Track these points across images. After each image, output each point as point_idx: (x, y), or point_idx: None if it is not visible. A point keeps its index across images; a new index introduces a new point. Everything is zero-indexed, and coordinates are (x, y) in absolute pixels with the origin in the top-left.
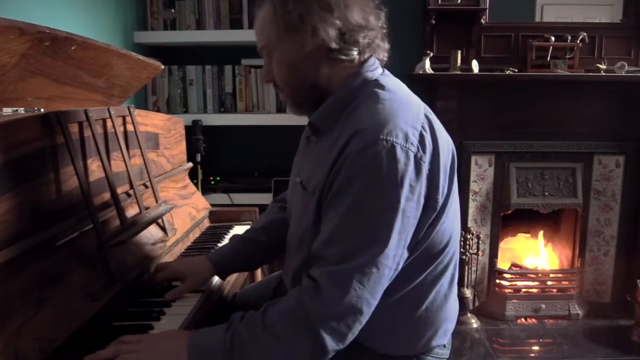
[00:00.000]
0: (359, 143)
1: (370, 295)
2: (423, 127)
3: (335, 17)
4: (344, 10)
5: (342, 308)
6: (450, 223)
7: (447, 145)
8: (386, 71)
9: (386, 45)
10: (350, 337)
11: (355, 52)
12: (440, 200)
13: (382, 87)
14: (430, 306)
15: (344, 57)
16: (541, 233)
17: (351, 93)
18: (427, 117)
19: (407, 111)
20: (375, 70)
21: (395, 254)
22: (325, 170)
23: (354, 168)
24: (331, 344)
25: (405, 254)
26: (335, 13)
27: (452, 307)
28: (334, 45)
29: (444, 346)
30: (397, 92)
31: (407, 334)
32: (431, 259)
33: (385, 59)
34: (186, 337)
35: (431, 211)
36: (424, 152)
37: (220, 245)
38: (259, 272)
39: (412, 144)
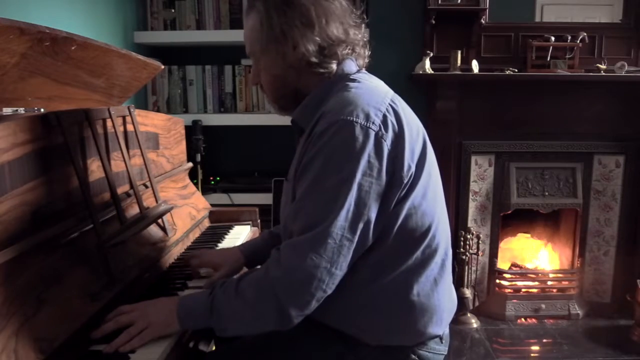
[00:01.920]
0: (322, 124)
1: (329, 265)
2: (387, 110)
3: (315, 33)
4: (325, 26)
5: (301, 276)
6: (431, 206)
7: (416, 129)
8: (363, 70)
9: (366, 53)
10: (314, 304)
11: (334, 65)
12: (406, 177)
13: (353, 80)
14: (422, 291)
15: (322, 70)
16: (541, 233)
17: (327, 90)
18: (393, 102)
19: (371, 95)
20: (352, 70)
21: (355, 227)
22: (299, 157)
23: (316, 147)
24: (295, 311)
25: (371, 228)
26: (316, 30)
27: (446, 295)
28: (313, 60)
29: (440, 340)
30: (365, 83)
31: (402, 320)
32: (416, 242)
33: (364, 65)
34: (176, 300)
35: (397, 187)
36: (386, 130)
37: (220, 245)
38: None
39: (373, 122)
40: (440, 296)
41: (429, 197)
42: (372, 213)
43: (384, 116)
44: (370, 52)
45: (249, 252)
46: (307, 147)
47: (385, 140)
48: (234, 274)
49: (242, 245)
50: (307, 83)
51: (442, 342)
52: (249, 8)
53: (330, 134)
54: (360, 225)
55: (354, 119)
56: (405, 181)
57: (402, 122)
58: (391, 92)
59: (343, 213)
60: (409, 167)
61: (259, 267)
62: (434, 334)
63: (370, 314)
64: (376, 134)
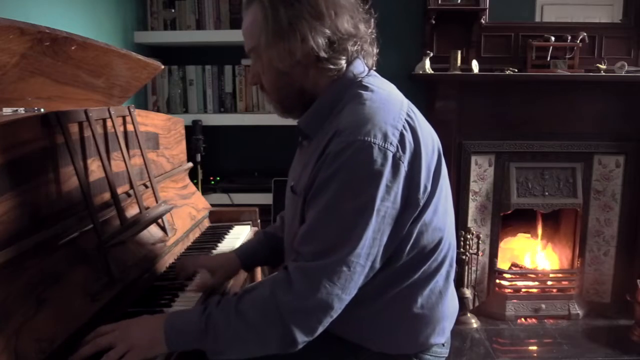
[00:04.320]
0: (338, 144)
1: (341, 292)
2: (404, 127)
3: (326, 26)
4: (335, 19)
5: (312, 304)
6: (441, 221)
7: (431, 143)
8: (372, 71)
9: (374, 51)
10: (320, 329)
11: (343, 61)
12: (422, 198)
13: (365, 87)
14: (426, 303)
15: (332, 66)
16: (541, 233)
17: (336, 96)
18: (409, 115)
19: (388, 111)
20: (360, 71)
21: (368, 253)
22: (310, 172)
23: (332, 168)
24: (300, 336)
25: (381, 252)
26: (326, 22)
27: (450, 304)
28: (322, 54)
29: (443, 345)
30: (379, 92)
31: (404, 332)
32: (425, 258)
33: (373, 65)
34: (162, 319)
35: (412, 210)
36: (404, 152)
37: (220, 245)
38: (259, 273)
39: (391, 143)
40: (444, 307)
41: (440, 212)
42: (385, 237)
43: (401, 135)
44: (378, 50)
45: (246, 256)
46: (321, 166)
47: (402, 162)
48: (230, 278)
49: (237, 249)
50: (314, 82)
51: (443, 346)
52: (250, 1)
53: (348, 155)
54: (374, 251)
55: (372, 140)
56: (421, 203)
57: (419, 139)
58: (406, 101)
59: (361, 241)
60: (425, 188)
61: (256, 282)
62: (436, 343)
63: (372, 326)
64: (394, 156)
